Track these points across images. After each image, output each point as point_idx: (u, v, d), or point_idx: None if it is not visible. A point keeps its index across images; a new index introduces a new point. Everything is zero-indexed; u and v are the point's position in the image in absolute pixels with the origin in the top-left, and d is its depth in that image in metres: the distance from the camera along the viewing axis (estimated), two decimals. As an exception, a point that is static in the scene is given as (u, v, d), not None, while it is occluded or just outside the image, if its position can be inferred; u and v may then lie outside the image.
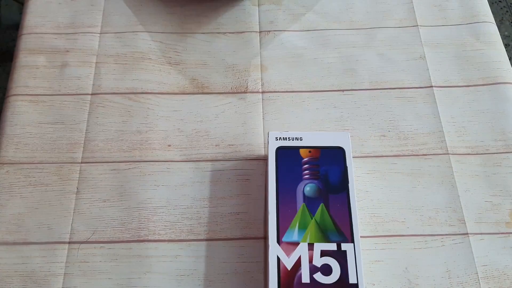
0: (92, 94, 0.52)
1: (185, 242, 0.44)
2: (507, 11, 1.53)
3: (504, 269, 0.43)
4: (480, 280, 0.42)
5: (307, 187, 0.40)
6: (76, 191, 0.46)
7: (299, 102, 0.51)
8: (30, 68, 0.53)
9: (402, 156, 0.48)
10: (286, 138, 0.42)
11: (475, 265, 0.43)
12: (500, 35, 0.57)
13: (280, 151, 0.42)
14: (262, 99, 0.52)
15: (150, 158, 0.48)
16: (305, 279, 0.36)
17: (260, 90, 0.52)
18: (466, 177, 0.47)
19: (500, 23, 1.49)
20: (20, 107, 0.51)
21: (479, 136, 0.49)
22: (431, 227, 0.45)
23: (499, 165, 0.48)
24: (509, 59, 0.55)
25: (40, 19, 0.57)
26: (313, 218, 0.39)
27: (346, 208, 0.39)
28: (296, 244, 0.38)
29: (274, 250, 0.38)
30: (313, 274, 0.37)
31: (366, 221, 0.45)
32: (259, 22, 0.57)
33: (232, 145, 0.49)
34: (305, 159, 0.41)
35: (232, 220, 0.45)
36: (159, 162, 0.48)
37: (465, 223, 0.45)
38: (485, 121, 0.50)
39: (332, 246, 0.38)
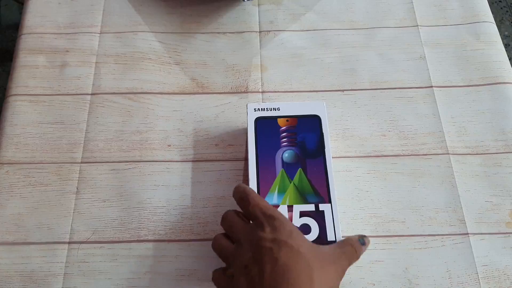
0: (92, 94, 0.52)
1: (185, 242, 0.44)
2: (507, 11, 1.53)
3: (504, 269, 0.43)
4: (480, 280, 0.42)
5: (285, 154, 0.42)
6: (76, 191, 0.46)
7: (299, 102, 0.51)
8: (30, 68, 0.53)
9: (402, 156, 0.48)
10: (264, 108, 0.44)
11: (475, 265, 0.43)
12: (500, 35, 0.57)
13: (259, 121, 0.43)
14: (262, 99, 0.52)
15: (150, 158, 0.48)
16: None
17: (260, 90, 0.52)
18: (466, 177, 0.47)
19: (500, 23, 1.49)
20: (20, 107, 0.51)
21: (479, 136, 0.49)
22: (431, 227, 0.45)
23: (499, 165, 0.48)
24: (509, 59, 0.55)
25: (40, 19, 0.57)
26: (292, 182, 0.40)
27: (322, 171, 0.41)
28: (276, 207, 0.39)
29: None
30: None
31: (366, 221, 0.45)
32: (259, 22, 0.57)
33: (232, 145, 0.49)
34: (282, 128, 0.43)
35: (232, 220, 0.45)
36: (159, 162, 0.48)
37: (465, 223, 0.45)
38: (485, 121, 0.50)
39: (311, 207, 0.39)
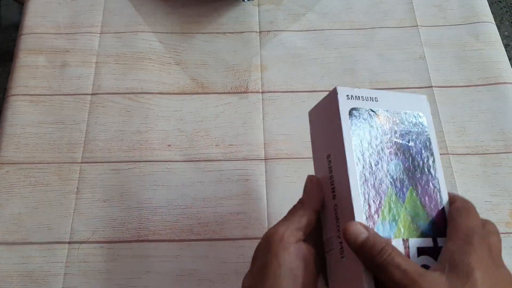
0: (92, 94, 0.52)
1: (185, 242, 0.44)
2: (507, 11, 1.53)
3: (504, 269, 0.43)
4: (480, 280, 0.42)
5: (392, 165, 0.31)
6: (76, 191, 0.46)
7: (299, 102, 0.51)
8: (30, 68, 0.53)
9: (402, 156, 0.48)
10: (359, 97, 0.31)
11: (475, 265, 0.43)
12: (500, 35, 0.57)
13: (355, 113, 0.31)
14: (262, 99, 0.52)
15: (150, 158, 0.48)
16: None
17: (260, 90, 0.52)
18: (466, 177, 0.47)
19: (500, 23, 1.49)
20: (20, 107, 0.51)
21: (479, 136, 0.49)
22: (431, 227, 0.45)
23: (499, 165, 0.48)
24: (509, 59, 0.55)
25: (40, 19, 0.57)
26: (404, 206, 0.30)
27: (437, 191, 0.31)
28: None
29: None
30: None
31: (366, 221, 0.45)
32: (259, 22, 0.57)
33: (232, 145, 0.49)
34: (384, 127, 0.31)
35: (232, 220, 0.45)
36: (159, 162, 0.48)
37: (465, 223, 0.45)
38: (485, 121, 0.50)
39: (428, 242, 0.29)
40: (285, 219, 0.31)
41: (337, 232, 0.30)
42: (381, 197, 0.29)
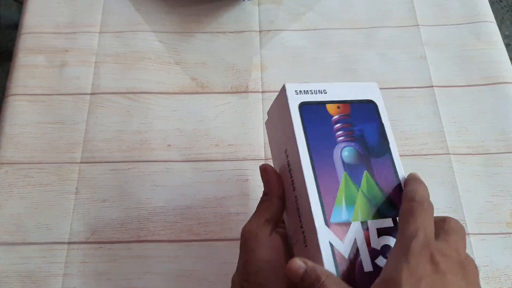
0: (91, 94, 0.51)
1: (184, 243, 0.44)
2: (507, 11, 1.53)
3: (505, 269, 0.43)
4: (480, 280, 0.42)
5: (345, 152, 0.32)
6: (75, 191, 0.46)
7: (299, 102, 0.51)
8: (29, 68, 0.53)
9: (403, 156, 0.48)
10: (308, 91, 0.33)
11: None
12: (501, 34, 0.57)
13: (305, 107, 0.32)
14: (262, 99, 0.51)
15: (149, 158, 0.48)
16: (367, 267, 0.29)
17: (260, 90, 0.52)
18: (467, 177, 0.47)
19: (500, 23, 1.49)
20: (19, 107, 0.51)
21: (480, 136, 0.49)
22: (431, 228, 0.44)
23: (500, 165, 0.48)
24: (510, 59, 0.55)
25: (39, 18, 0.56)
26: (360, 189, 0.31)
27: (392, 173, 0.32)
28: (347, 224, 0.30)
29: (325, 235, 0.29)
30: (375, 259, 0.29)
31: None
32: (259, 21, 0.57)
33: (232, 145, 0.49)
34: (335, 117, 0.33)
35: (232, 220, 0.45)
36: (159, 162, 0.48)
37: (465, 223, 0.45)
38: (486, 121, 0.50)
39: (388, 222, 0.30)
40: (255, 213, 0.33)
41: (300, 223, 0.31)
42: (336, 183, 0.31)
